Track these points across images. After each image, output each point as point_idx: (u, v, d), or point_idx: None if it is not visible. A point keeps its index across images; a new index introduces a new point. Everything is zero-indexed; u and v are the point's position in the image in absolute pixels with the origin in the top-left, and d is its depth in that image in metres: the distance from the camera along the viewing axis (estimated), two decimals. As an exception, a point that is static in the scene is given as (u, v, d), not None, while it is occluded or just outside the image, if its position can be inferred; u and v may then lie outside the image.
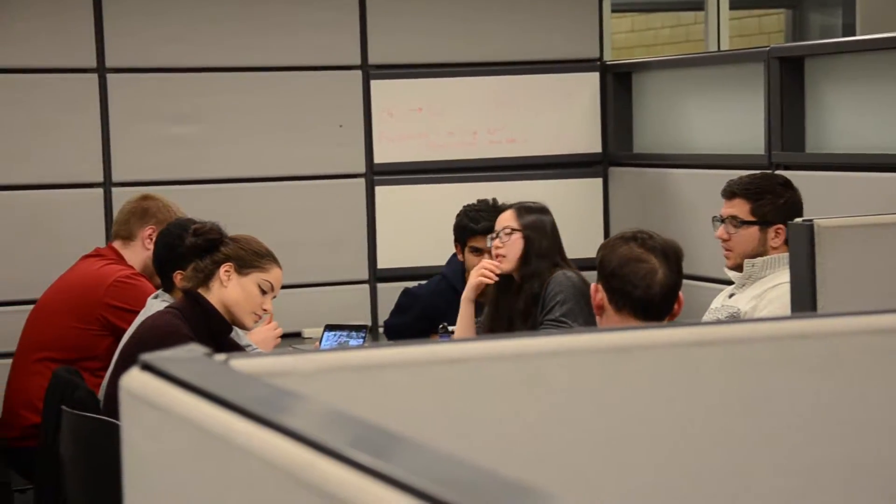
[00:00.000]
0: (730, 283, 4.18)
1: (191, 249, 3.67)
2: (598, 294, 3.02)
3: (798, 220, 2.52)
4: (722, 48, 7.02)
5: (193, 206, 4.65)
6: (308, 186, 5.47)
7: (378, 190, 5.54)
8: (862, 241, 2.50)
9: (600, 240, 5.27)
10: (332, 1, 5.44)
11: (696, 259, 4.62)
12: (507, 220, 4.29)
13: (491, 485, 0.73)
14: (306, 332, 5.26)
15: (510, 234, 4.24)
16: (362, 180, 5.54)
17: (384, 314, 5.30)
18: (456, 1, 5.59)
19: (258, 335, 4.10)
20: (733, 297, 4.03)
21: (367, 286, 5.57)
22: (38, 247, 5.07)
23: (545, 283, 4.17)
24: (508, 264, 4.24)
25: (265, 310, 3.67)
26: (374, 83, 5.51)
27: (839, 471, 1.25)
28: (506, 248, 4.24)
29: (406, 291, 5.11)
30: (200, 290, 3.62)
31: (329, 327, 4.83)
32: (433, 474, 0.73)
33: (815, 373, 1.25)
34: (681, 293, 3.04)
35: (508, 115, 5.66)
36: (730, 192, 4.07)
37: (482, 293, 4.34)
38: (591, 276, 3.46)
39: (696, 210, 5.04)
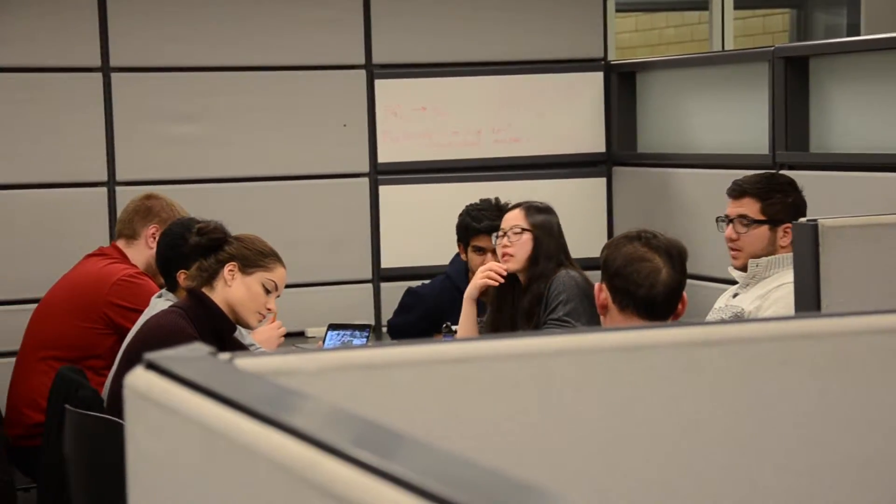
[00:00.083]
0: (733, 282, 4.17)
1: (195, 249, 3.67)
2: (602, 293, 3.02)
3: (802, 219, 2.52)
4: (726, 48, 7.01)
5: (197, 205, 4.65)
6: (312, 186, 5.47)
7: (382, 189, 5.54)
8: (866, 241, 2.49)
9: (604, 239, 5.28)
10: (336, 0, 5.44)
11: (700, 259, 4.62)
12: (515, 219, 4.28)
13: (496, 484, 0.73)
14: (310, 332, 5.26)
15: (519, 233, 4.23)
16: (366, 180, 5.54)
17: (387, 314, 5.30)
18: (460, 0, 5.59)
19: (261, 334, 4.11)
20: (737, 297, 4.03)
21: (370, 285, 5.57)
22: (41, 245, 5.07)
23: (549, 282, 4.17)
24: (516, 264, 4.24)
25: (269, 309, 3.67)
26: (378, 82, 5.51)
27: (844, 470, 1.25)
28: (514, 248, 4.23)
29: (409, 291, 5.11)
30: (204, 290, 3.62)
31: (332, 326, 4.83)
32: (438, 474, 0.73)
33: (820, 372, 1.25)
34: (684, 293, 3.04)
35: (512, 114, 5.66)
36: (739, 191, 4.05)
37: (484, 292, 4.35)
38: (594, 275, 3.46)
39: (700, 210, 5.04)
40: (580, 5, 5.71)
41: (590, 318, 4.04)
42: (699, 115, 5.39)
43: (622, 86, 5.71)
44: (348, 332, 4.79)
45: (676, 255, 3.02)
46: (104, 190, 5.19)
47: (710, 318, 4.05)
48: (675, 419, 1.21)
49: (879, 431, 1.27)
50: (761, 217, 4.00)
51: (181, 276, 3.88)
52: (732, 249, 4.05)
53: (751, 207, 4.01)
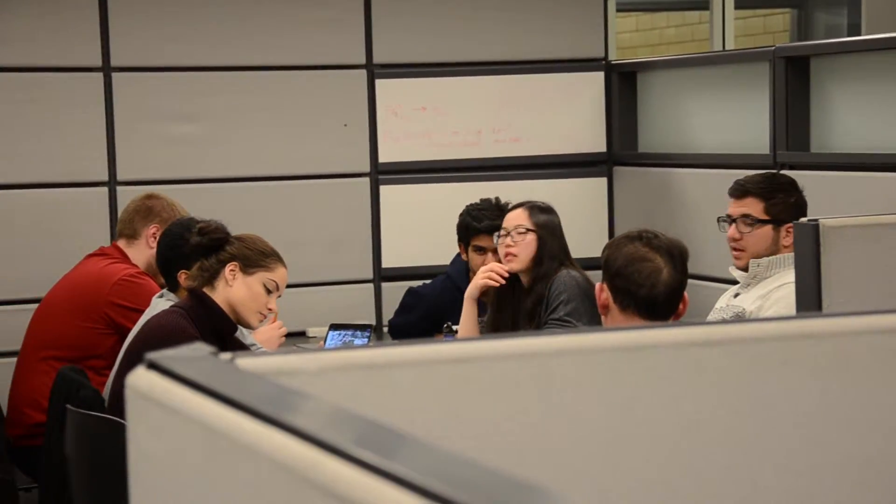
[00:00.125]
0: (734, 282, 4.17)
1: (196, 249, 3.67)
2: (603, 293, 3.02)
3: (803, 219, 2.52)
4: (727, 48, 7.01)
5: (198, 205, 4.65)
6: (313, 186, 5.47)
7: (382, 189, 5.54)
8: (867, 241, 2.49)
9: (605, 239, 5.28)
10: (337, 0, 5.44)
11: (701, 259, 4.62)
12: (519, 218, 4.28)
13: (497, 484, 0.73)
14: (310, 332, 5.26)
15: (524, 233, 4.23)
16: (367, 179, 5.54)
17: (388, 313, 5.31)
18: (461, 0, 5.59)
19: (262, 334, 4.11)
20: (738, 297, 4.02)
21: (371, 285, 5.57)
22: (42, 245, 5.07)
23: (550, 282, 4.17)
24: (519, 264, 4.23)
25: (270, 309, 3.67)
26: (378, 82, 5.51)
27: (845, 470, 1.25)
28: (518, 248, 4.23)
29: (410, 291, 5.11)
30: (206, 290, 3.62)
31: (334, 327, 4.84)
32: (439, 473, 0.73)
33: (821, 372, 1.25)
34: (685, 293, 3.04)
35: (513, 114, 5.66)
36: (742, 191, 4.04)
37: (485, 292, 4.35)
38: (595, 275, 3.46)
39: (701, 210, 5.04)
40: (581, 5, 5.71)
41: (591, 317, 4.04)
42: (700, 115, 5.39)
43: (623, 86, 5.71)
44: (350, 333, 4.79)
45: (677, 255, 3.02)
46: (105, 190, 5.19)
47: (711, 318, 4.05)
48: (676, 419, 1.21)
49: (880, 431, 1.27)
50: (765, 217, 3.99)
51: (182, 276, 3.88)
52: (735, 249, 4.04)
53: (754, 207, 4.00)
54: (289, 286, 3.83)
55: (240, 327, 3.70)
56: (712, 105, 5.33)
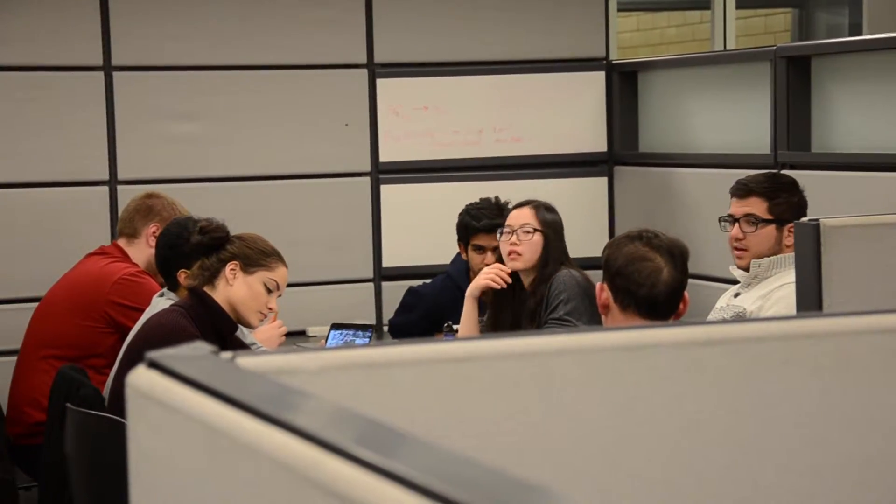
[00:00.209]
0: (734, 282, 4.17)
1: (197, 248, 3.67)
2: (604, 293, 3.02)
3: (804, 219, 2.52)
4: (728, 47, 7.01)
5: (199, 204, 4.65)
6: (313, 185, 5.47)
7: (383, 188, 5.54)
8: (868, 241, 2.49)
9: (605, 239, 5.28)
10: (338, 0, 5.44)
11: (702, 258, 4.62)
12: (525, 217, 4.26)
13: (498, 483, 0.73)
14: (311, 331, 5.26)
15: (530, 233, 4.22)
16: (367, 179, 5.54)
17: (389, 313, 5.31)
18: (462, 0, 5.59)
19: (262, 333, 4.11)
20: (739, 297, 4.02)
21: (371, 285, 5.57)
22: (43, 244, 5.07)
23: (550, 282, 4.17)
24: (523, 263, 4.23)
25: (270, 308, 3.67)
26: (379, 81, 5.51)
27: (845, 470, 1.25)
28: (523, 247, 4.22)
29: (411, 290, 5.11)
30: (206, 289, 3.62)
31: (335, 326, 4.84)
32: (440, 473, 0.73)
33: (821, 372, 1.25)
34: (686, 292, 3.04)
35: (514, 113, 5.66)
36: (745, 191, 4.03)
37: (485, 292, 4.34)
38: (596, 275, 3.46)
39: (702, 209, 5.04)
40: (582, 5, 5.71)
41: (591, 317, 4.04)
42: (701, 115, 5.39)
43: (624, 85, 5.71)
44: (351, 332, 4.80)
45: (678, 255, 3.02)
46: (105, 189, 5.19)
47: (711, 317, 4.05)
48: (677, 419, 1.21)
49: (881, 431, 1.27)
50: (768, 216, 3.99)
51: (182, 276, 3.88)
52: (737, 249, 4.03)
53: (758, 207, 4.00)
54: (289, 285, 3.83)
55: (240, 326, 3.70)
56: (713, 105, 5.33)
